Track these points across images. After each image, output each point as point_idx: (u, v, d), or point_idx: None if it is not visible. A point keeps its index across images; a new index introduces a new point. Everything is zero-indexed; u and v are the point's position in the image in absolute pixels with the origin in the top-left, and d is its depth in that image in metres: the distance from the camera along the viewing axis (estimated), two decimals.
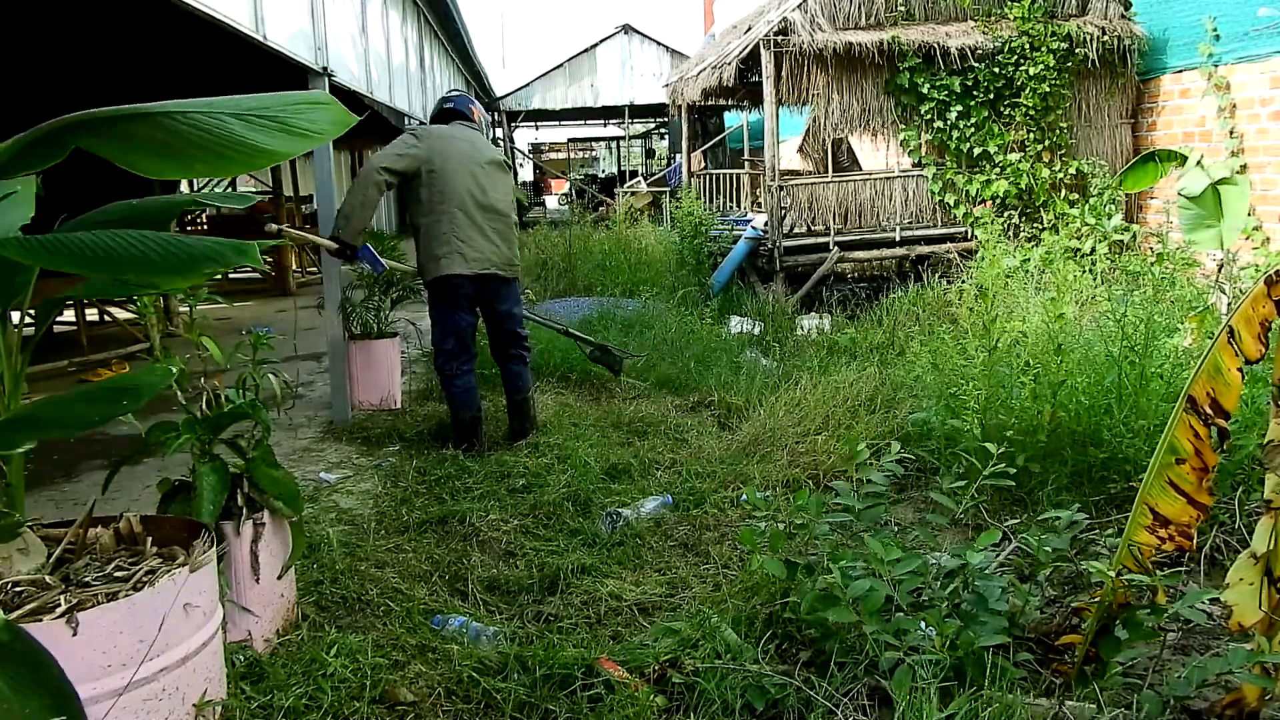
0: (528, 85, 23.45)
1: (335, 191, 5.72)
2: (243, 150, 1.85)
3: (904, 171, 9.35)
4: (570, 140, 36.20)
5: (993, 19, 9.01)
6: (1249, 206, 6.67)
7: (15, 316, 2.25)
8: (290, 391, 5.33)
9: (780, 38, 8.65)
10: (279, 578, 2.81)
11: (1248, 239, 7.67)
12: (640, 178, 24.34)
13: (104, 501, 2.53)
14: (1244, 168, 7.88)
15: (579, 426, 5.01)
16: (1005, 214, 8.96)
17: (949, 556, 2.69)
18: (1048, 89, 8.87)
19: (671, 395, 5.74)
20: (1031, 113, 8.92)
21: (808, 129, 11.41)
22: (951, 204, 9.15)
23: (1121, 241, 8.57)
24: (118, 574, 2.15)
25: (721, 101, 12.93)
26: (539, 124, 30.81)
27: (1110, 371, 4.09)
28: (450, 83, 15.40)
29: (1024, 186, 8.93)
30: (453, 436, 4.76)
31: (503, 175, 4.86)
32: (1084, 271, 7.06)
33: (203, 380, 2.78)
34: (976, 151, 9.02)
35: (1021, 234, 8.85)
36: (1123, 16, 9.12)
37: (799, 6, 8.72)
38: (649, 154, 32.43)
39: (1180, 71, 8.79)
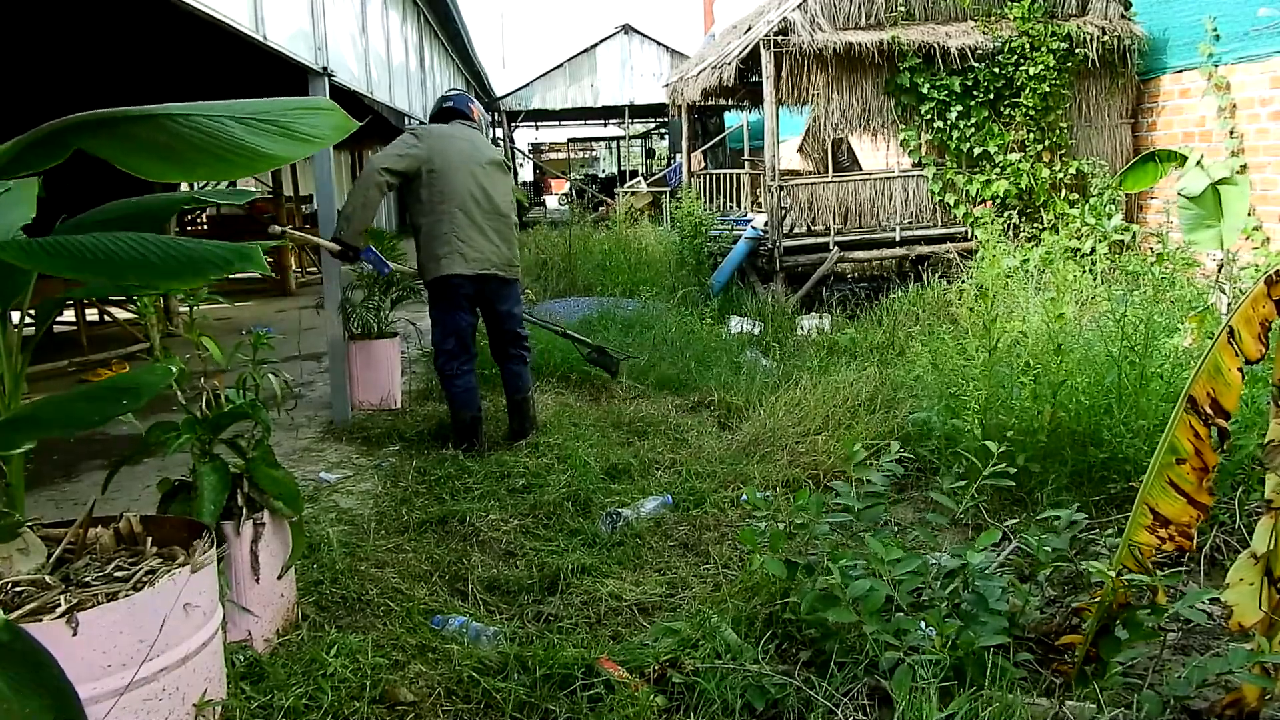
0: (528, 85, 23.45)
1: (335, 192, 5.72)
2: (244, 154, 1.85)
3: (904, 171, 9.35)
4: (570, 140, 36.20)
5: (993, 19, 9.01)
6: (1249, 206, 6.67)
7: (15, 316, 2.25)
8: (290, 391, 5.32)
9: (780, 38, 8.65)
10: (279, 578, 2.81)
11: (1248, 239, 7.67)
12: (640, 178, 24.35)
13: (104, 501, 2.53)
14: (1244, 168, 7.88)
15: (579, 426, 5.01)
16: (1005, 214, 8.96)
17: (949, 556, 2.69)
18: (1048, 89, 8.87)
19: (671, 395, 5.74)
20: (1031, 113, 8.92)
21: (808, 129, 11.41)
22: (951, 204, 9.15)
23: (1121, 241, 8.57)
24: (118, 574, 2.15)
25: (721, 101, 12.93)
26: (539, 124, 30.82)
27: (1110, 371, 4.09)
28: (450, 83, 15.40)
29: (1024, 186, 8.93)
30: (453, 436, 4.76)
31: (503, 175, 4.86)
32: (1084, 271, 7.05)
33: (203, 380, 2.78)
34: (976, 151, 9.02)
35: (1021, 234, 8.85)
36: (1123, 16, 9.12)
37: (799, 6, 8.72)
38: (649, 154, 32.43)
39: (1180, 71, 8.79)
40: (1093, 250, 8.18)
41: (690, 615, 2.80)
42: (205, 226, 14.11)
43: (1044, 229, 8.72)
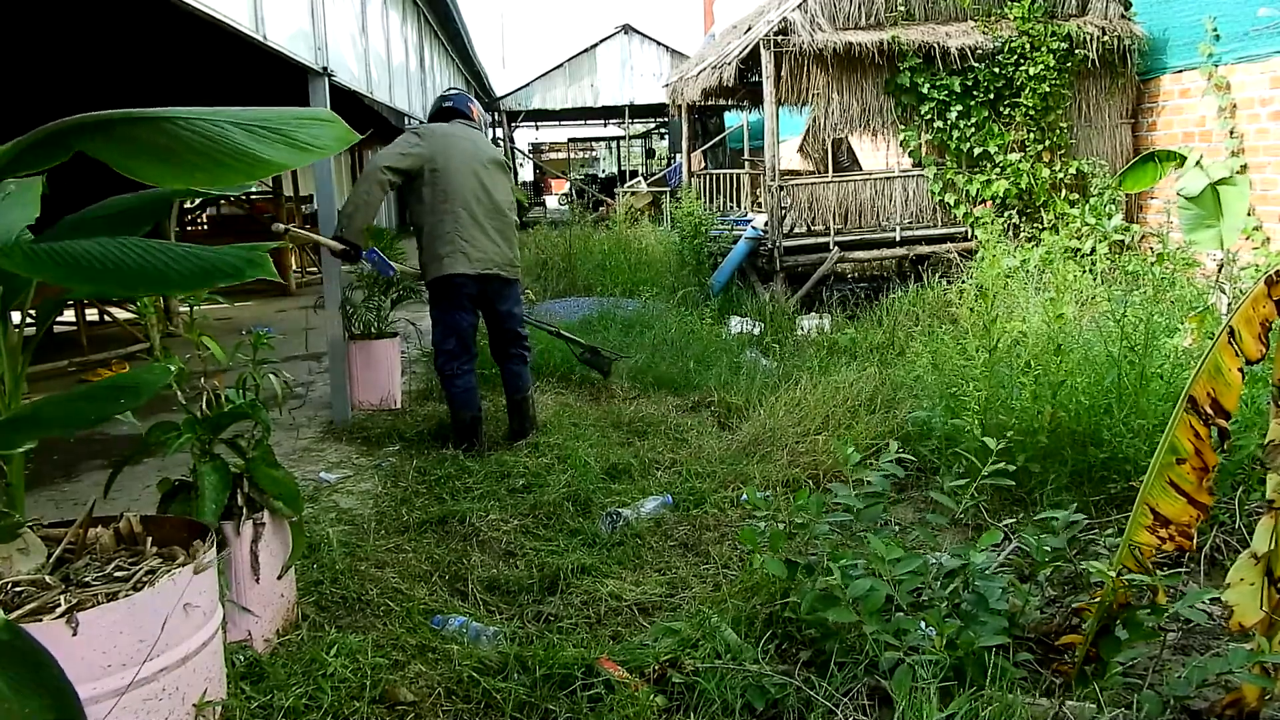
0: (528, 85, 23.45)
1: (335, 193, 5.72)
2: (244, 160, 1.85)
3: (904, 171, 9.35)
4: (570, 140, 36.20)
5: (993, 19, 9.01)
6: (1249, 206, 6.67)
7: (16, 317, 2.25)
8: (289, 391, 5.32)
9: (780, 38, 8.64)
10: (279, 578, 2.81)
11: (1248, 239, 7.67)
12: (640, 178, 24.34)
13: (104, 501, 2.53)
14: (1244, 168, 7.87)
15: (579, 426, 5.01)
16: (1005, 214, 8.96)
17: (949, 556, 2.69)
18: (1048, 89, 8.87)
19: (671, 395, 5.74)
20: (1031, 113, 8.91)
21: (808, 129, 11.40)
22: (951, 204, 9.15)
23: (1121, 241, 8.57)
24: (118, 574, 2.15)
25: (721, 101, 12.93)
26: (539, 124, 30.82)
27: (1110, 371, 4.09)
28: (450, 83, 15.40)
29: (1024, 186, 8.93)
30: (453, 436, 4.75)
31: (504, 175, 4.86)
32: (1084, 271, 7.05)
33: (203, 380, 2.78)
34: (976, 151, 9.02)
35: (1021, 234, 8.85)
36: (1123, 16, 9.12)
37: (799, 6, 8.72)
38: (649, 154, 32.43)
39: (1180, 71, 8.79)
40: (1093, 250, 8.18)
41: (690, 615, 2.80)
42: (205, 227, 14.10)
43: (1044, 229, 8.72)
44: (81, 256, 1.78)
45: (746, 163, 13.16)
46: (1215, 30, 8.18)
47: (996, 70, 8.92)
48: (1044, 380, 4.02)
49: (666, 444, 4.75)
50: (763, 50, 8.71)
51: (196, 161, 1.84)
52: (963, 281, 7.34)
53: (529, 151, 33.65)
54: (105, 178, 1.81)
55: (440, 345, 4.75)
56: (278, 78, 6.65)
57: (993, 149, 8.96)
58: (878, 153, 11.53)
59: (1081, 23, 8.97)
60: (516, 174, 26.98)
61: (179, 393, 2.67)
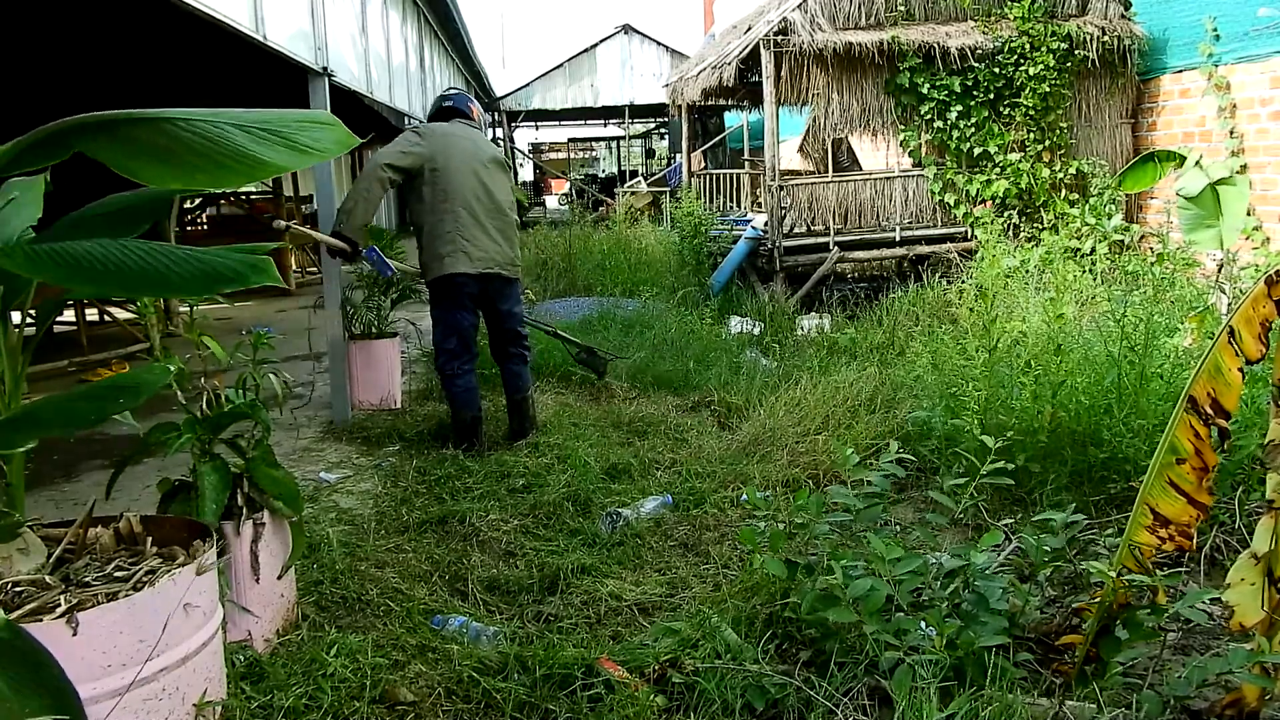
0: (528, 85, 23.45)
1: (335, 192, 5.72)
2: (244, 162, 1.85)
3: (904, 171, 9.35)
4: (570, 140, 36.19)
5: (993, 19, 9.01)
6: (1249, 206, 6.67)
7: (16, 316, 2.25)
8: (289, 391, 5.32)
9: (780, 38, 8.64)
10: (279, 578, 2.81)
11: (1247, 239, 7.67)
12: (640, 178, 24.34)
13: (104, 502, 2.53)
14: (1244, 168, 7.87)
15: (579, 426, 5.01)
16: (1005, 214, 8.96)
17: (949, 556, 2.69)
18: (1048, 89, 8.87)
19: (671, 395, 5.74)
20: (1031, 113, 8.91)
21: (808, 129, 11.41)
22: (951, 204, 9.15)
23: (1121, 241, 8.57)
24: (118, 574, 2.15)
25: (721, 101, 12.93)
26: (539, 124, 30.81)
27: (1110, 371, 4.09)
28: (450, 83, 15.40)
29: (1024, 186, 8.93)
30: (453, 436, 4.75)
31: (504, 174, 4.86)
32: (1084, 271, 7.05)
33: (203, 380, 2.78)
34: (976, 151, 9.02)
35: (1021, 234, 8.85)
36: (1123, 16, 9.12)
37: (799, 6, 8.72)
38: (649, 154, 32.42)
39: (1180, 71, 8.79)
40: (1093, 250, 8.18)
41: (690, 615, 2.80)
42: (205, 226, 14.09)
43: (1044, 229, 8.72)
44: (83, 257, 1.77)
45: (746, 163, 13.16)
46: (1215, 30, 8.18)
47: (996, 70, 8.92)
48: (1044, 380, 4.02)
49: (666, 444, 4.75)
50: (763, 50, 8.71)
51: (197, 163, 1.84)
52: (963, 281, 7.34)
53: (529, 151, 33.65)
54: (107, 174, 1.80)
55: (441, 345, 4.75)
56: (278, 78, 6.65)
57: (993, 149, 8.96)
58: (878, 153, 11.53)
59: (1081, 23, 8.97)
60: (516, 174, 26.98)
61: (179, 393, 2.67)
